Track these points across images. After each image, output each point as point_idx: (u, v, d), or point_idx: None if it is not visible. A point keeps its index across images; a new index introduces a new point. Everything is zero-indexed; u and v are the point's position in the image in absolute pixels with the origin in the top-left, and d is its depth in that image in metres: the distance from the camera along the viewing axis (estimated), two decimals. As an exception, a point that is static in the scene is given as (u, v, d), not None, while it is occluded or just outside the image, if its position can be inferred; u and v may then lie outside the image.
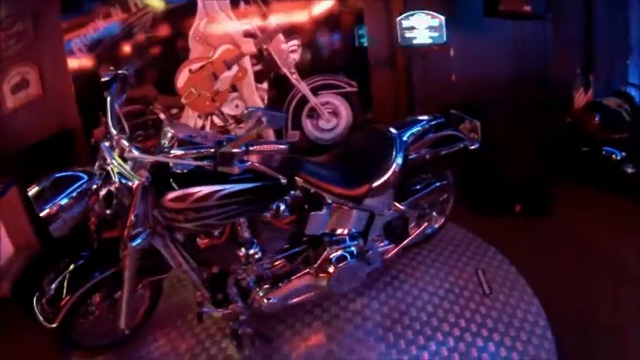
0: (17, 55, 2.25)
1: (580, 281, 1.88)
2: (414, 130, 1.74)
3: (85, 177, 1.32)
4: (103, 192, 1.27)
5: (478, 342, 1.55)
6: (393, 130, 1.70)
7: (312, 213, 1.53)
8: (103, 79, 1.36)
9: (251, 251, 1.44)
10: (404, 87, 2.81)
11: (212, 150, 1.16)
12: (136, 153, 1.18)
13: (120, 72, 1.40)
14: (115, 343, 1.60)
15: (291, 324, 1.71)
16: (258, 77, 2.64)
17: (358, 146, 1.76)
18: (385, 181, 1.57)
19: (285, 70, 2.65)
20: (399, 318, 1.70)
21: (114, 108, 1.32)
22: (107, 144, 1.27)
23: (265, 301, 1.52)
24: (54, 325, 1.30)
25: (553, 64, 2.86)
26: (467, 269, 1.98)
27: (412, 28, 2.48)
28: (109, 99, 1.32)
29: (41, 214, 1.24)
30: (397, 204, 1.75)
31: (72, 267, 1.39)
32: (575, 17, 2.94)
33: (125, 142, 1.22)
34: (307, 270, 1.58)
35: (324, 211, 1.56)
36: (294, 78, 2.68)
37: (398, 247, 1.87)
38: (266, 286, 1.53)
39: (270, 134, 2.71)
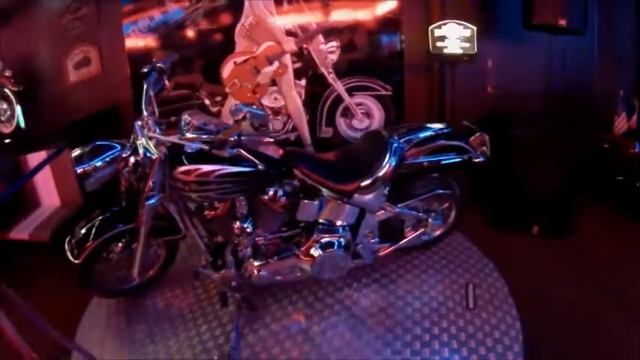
0: (81, 35, 2.83)
1: (584, 313, 1.88)
2: (414, 136, 1.90)
3: (119, 147, 1.71)
4: (131, 161, 1.67)
5: (444, 352, 1.68)
6: (392, 135, 1.88)
7: (304, 201, 1.80)
8: (143, 70, 1.75)
9: (244, 225, 1.74)
10: (438, 94, 2.91)
11: (212, 137, 1.48)
12: (156, 133, 1.55)
13: (158, 65, 1.78)
14: (127, 290, 2.03)
15: (279, 299, 2.00)
16: (297, 74, 2.96)
17: (358, 147, 1.97)
18: (374, 181, 1.76)
19: (322, 70, 2.93)
20: (377, 315, 1.88)
21: (149, 94, 1.70)
22: (139, 123, 1.66)
23: (255, 272, 1.83)
24: (78, 262, 1.74)
25: (595, 83, 2.75)
26: (459, 280, 2.09)
27: (444, 38, 2.58)
28: (145, 86, 1.71)
29: (78, 171, 1.65)
30: (391, 205, 1.93)
31: (100, 217, 1.83)
32: (624, 33, 2.77)
33: (151, 123, 1.60)
34: (295, 251, 1.85)
35: (316, 201, 1.81)
36: (331, 77, 2.95)
37: (391, 248, 2.06)
38: (258, 260, 1.84)
39: (305, 132, 3.06)
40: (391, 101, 3.00)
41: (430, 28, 2.62)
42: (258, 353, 1.72)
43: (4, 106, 2.81)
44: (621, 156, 2.57)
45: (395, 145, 1.82)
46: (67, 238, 1.84)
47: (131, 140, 1.70)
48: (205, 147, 1.48)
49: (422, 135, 1.94)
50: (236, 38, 2.85)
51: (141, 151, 1.60)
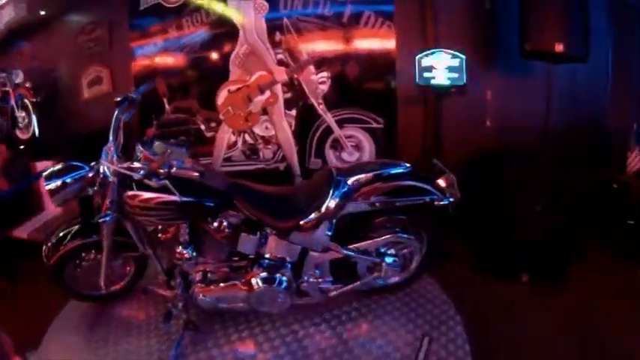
0: (95, 56, 3.34)
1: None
2: (364, 175, 2.02)
3: (87, 168, 2.03)
4: (97, 181, 2.01)
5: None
6: (342, 173, 2.03)
7: (243, 234, 2.02)
8: (115, 99, 2.09)
9: (184, 251, 2.00)
10: (431, 128, 3.02)
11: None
12: (112, 160, 1.87)
13: (130, 95, 2.10)
14: (95, 297, 2.38)
15: (227, 326, 2.21)
16: (288, 104, 3.22)
17: (307, 183, 2.15)
18: (313, 221, 1.94)
19: (313, 100, 3.17)
20: (313, 355, 2.00)
21: (118, 121, 2.02)
22: (105, 148, 1.99)
23: (201, 296, 2.08)
24: (50, 262, 2.12)
25: (607, 116, 2.67)
26: (416, 331, 2.14)
27: (431, 68, 2.68)
28: (115, 113, 2.04)
29: (46, 187, 1.99)
30: (338, 246, 2.07)
31: (77, 226, 2.20)
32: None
33: (112, 150, 1.92)
34: (236, 282, 2.06)
35: (257, 235, 2.03)
36: (320, 108, 3.18)
37: (342, 289, 2.18)
38: (203, 285, 2.08)
39: (295, 162, 3.30)
40: (383, 134, 3.16)
41: (417, 57, 2.72)
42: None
43: (23, 114, 3.44)
44: (634, 197, 2.50)
45: (341, 183, 1.98)
46: (46, 241, 2.22)
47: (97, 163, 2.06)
48: (136, 176, 1.77)
49: (377, 174, 2.04)
50: (230, 67, 3.19)
51: (102, 173, 1.94)
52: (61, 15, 3.42)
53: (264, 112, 3.27)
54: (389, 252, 2.20)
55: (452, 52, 2.62)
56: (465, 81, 2.62)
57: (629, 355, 2.00)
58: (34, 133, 3.47)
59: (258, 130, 3.32)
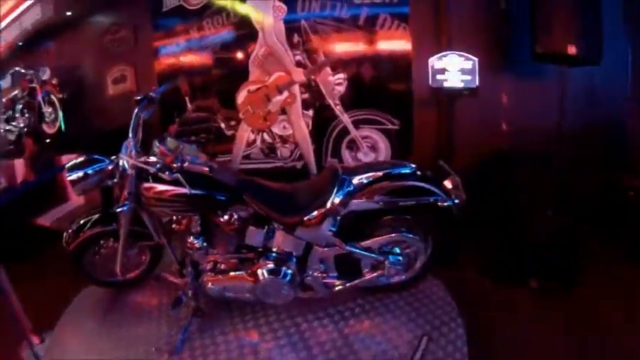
0: (120, 55, 3.62)
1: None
2: (369, 174, 2.11)
3: (107, 161, 2.24)
4: (116, 173, 2.21)
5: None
6: (348, 172, 2.13)
7: (251, 227, 2.16)
8: (135, 98, 2.28)
9: (195, 241, 2.16)
10: (446, 130, 3.08)
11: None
12: (131, 155, 2.05)
13: (150, 94, 2.29)
14: (112, 283, 2.58)
15: (233, 316, 2.35)
16: (305, 105, 3.38)
17: (314, 181, 2.27)
18: (316, 217, 2.05)
19: (329, 101, 3.31)
20: (313, 348, 2.10)
21: (138, 118, 2.21)
22: (125, 143, 2.18)
23: (209, 285, 2.23)
24: (70, 248, 2.35)
25: (625, 119, 2.64)
26: (416, 331, 2.19)
27: (444, 70, 2.74)
28: (136, 111, 2.22)
29: (68, 178, 2.21)
30: (341, 242, 2.17)
31: (98, 215, 2.41)
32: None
33: (132, 146, 2.10)
34: (243, 272, 2.20)
35: (263, 229, 2.16)
36: (337, 109, 3.32)
37: (346, 285, 2.28)
38: (212, 275, 2.23)
39: (311, 161, 3.45)
40: (398, 135, 3.26)
41: (430, 59, 2.80)
42: (196, 357, 2.08)
43: (49, 109, 3.76)
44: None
45: (346, 182, 2.09)
46: (68, 228, 2.45)
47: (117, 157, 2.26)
48: (154, 170, 1.95)
49: (382, 174, 2.13)
50: (250, 67, 3.39)
51: (121, 166, 2.14)
52: (86, 15, 3.74)
53: (283, 111, 3.44)
54: (393, 251, 2.28)
55: (464, 54, 2.68)
56: (477, 83, 2.67)
57: (630, 356, 2.01)
58: (60, 127, 3.79)
59: (276, 129, 3.50)
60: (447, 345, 2.10)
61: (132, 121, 2.15)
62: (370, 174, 2.14)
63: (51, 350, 2.22)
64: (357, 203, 2.10)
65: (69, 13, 3.83)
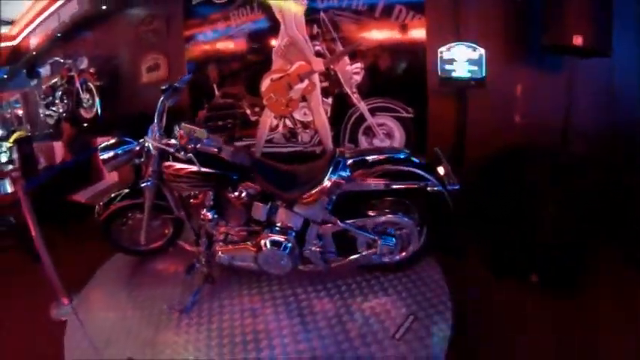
0: (153, 45, 4.12)
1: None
2: (363, 158, 2.40)
3: (135, 143, 2.67)
4: (143, 153, 2.65)
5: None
6: (344, 154, 2.43)
7: (256, 203, 2.51)
8: (161, 87, 2.69)
9: (208, 214, 2.56)
10: (458, 120, 3.25)
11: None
12: (149, 138, 2.48)
13: (174, 84, 2.69)
14: (137, 251, 3.09)
15: (242, 284, 2.75)
16: (324, 92, 3.68)
17: (316, 163, 2.56)
18: (312, 195, 2.36)
19: (347, 90, 3.59)
20: (306, 316, 2.43)
21: (163, 105, 2.61)
22: (151, 127, 2.61)
23: (220, 254, 2.62)
24: (101, 218, 2.84)
25: None
26: (403, 310, 2.43)
27: (452, 61, 2.91)
28: (161, 99, 2.64)
29: (100, 157, 2.65)
30: (337, 220, 2.47)
31: (127, 190, 2.88)
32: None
33: (156, 129, 2.52)
34: (248, 243, 2.57)
35: (267, 204, 2.51)
36: (354, 97, 3.59)
37: (343, 261, 2.59)
38: (223, 245, 2.62)
39: (329, 146, 3.75)
40: (413, 124, 3.48)
41: (439, 50, 2.99)
42: (202, 317, 2.49)
43: (87, 96, 4.39)
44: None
45: (341, 164, 2.38)
46: (98, 200, 2.96)
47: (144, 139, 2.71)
48: (171, 151, 2.37)
49: (376, 158, 2.41)
50: (273, 57, 3.75)
51: (146, 148, 2.58)
52: (122, 7, 4.29)
53: (303, 99, 3.76)
54: (387, 231, 2.55)
55: (472, 45, 2.83)
56: (483, 74, 2.81)
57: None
58: (96, 112, 4.42)
59: (297, 115, 3.84)
60: (431, 325, 2.31)
61: (157, 108, 2.55)
62: (364, 157, 2.43)
63: (79, 309, 2.75)
64: (352, 185, 2.38)
65: (104, 7, 4.42)
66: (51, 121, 5.83)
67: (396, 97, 3.49)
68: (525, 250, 2.78)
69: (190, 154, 2.32)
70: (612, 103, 2.87)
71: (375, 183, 2.39)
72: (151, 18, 4.24)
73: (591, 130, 2.91)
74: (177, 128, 2.52)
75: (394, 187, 2.39)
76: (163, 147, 2.43)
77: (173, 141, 2.42)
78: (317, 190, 2.37)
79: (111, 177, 3.95)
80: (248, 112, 3.98)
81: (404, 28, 3.36)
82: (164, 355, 2.28)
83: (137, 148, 2.64)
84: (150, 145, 2.52)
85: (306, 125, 3.83)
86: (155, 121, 2.54)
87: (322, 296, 2.60)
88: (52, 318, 2.76)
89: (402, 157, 2.45)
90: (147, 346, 2.35)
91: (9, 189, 4.18)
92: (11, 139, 5.66)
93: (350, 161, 2.40)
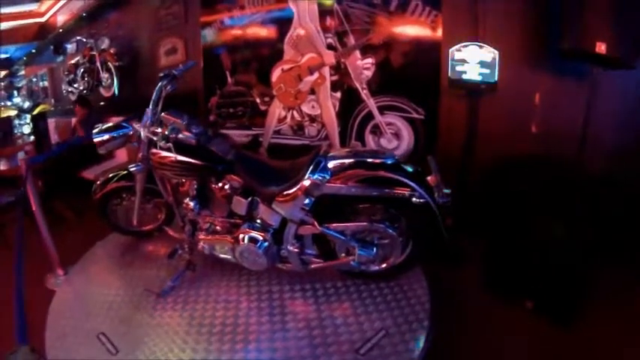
0: (171, 29, 4.40)
1: None
2: (346, 160, 2.45)
3: (130, 128, 2.88)
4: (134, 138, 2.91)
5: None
6: (327, 155, 2.52)
7: (236, 197, 2.67)
8: (160, 74, 2.91)
9: (190, 203, 2.76)
10: (470, 125, 3.26)
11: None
12: (137, 125, 2.71)
13: (173, 71, 2.89)
14: (130, 232, 3.38)
15: (221, 275, 2.95)
16: (334, 86, 3.79)
17: (301, 160, 2.69)
18: (289, 194, 2.49)
19: (357, 85, 3.67)
20: (275, 316, 2.58)
21: (160, 91, 2.83)
22: (145, 113, 2.86)
23: (201, 242, 2.84)
24: (96, 197, 3.13)
25: None
26: (376, 323, 2.48)
27: (463, 61, 2.91)
28: (159, 84, 2.84)
29: (94, 139, 2.88)
30: (315, 222, 2.58)
31: (124, 172, 3.12)
32: None
33: (148, 115, 2.75)
34: (227, 235, 2.77)
35: (247, 199, 2.67)
36: (364, 93, 3.67)
37: (321, 264, 2.71)
38: (205, 234, 2.84)
39: (336, 142, 3.88)
40: (423, 125, 3.52)
41: (451, 50, 2.99)
42: (177, 303, 2.72)
43: (107, 75, 4.77)
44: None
45: (321, 164, 2.46)
46: (95, 179, 3.26)
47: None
48: (155, 139, 2.59)
49: (359, 161, 2.46)
50: (285, 47, 3.90)
51: (138, 133, 2.82)
52: None
53: (312, 91, 3.89)
54: (367, 239, 2.63)
55: (485, 45, 2.82)
56: (496, 78, 2.79)
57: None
58: (114, 92, 4.82)
59: (305, 108, 3.98)
60: (399, 344, 2.34)
61: (154, 94, 2.72)
62: (347, 159, 2.47)
63: (70, 281, 3.10)
64: (330, 187, 2.45)
65: None
66: (72, 98, 6.40)
67: (407, 97, 3.54)
68: (522, 271, 2.79)
69: (170, 144, 2.55)
70: (636, 117, 2.80)
71: (354, 188, 2.45)
72: (171, 2, 4.53)
73: (610, 144, 2.84)
74: (162, 116, 2.73)
75: (374, 194, 2.45)
76: (149, 135, 2.65)
77: (158, 129, 2.62)
78: (295, 189, 2.48)
79: (121, 156, 4.30)
80: (258, 101, 4.18)
81: (432, 23, 3.37)
82: (136, 334, 2.52)
83: (131, 132, 2.90)
84: (141, 131, 2.75)
85: (313, 119, 3.96)
86: (150, 106, 2.72)
87: (297, 297, 2.74)
88: (46, 287, 3.15)
89: (389, 162, 2.46)
90: (122, 324, 2.61)
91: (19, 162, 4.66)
92: (34, 113, 6.29)
93: (331, 162, 2.48)
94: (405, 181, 2.42)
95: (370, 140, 3.77)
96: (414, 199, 2.40)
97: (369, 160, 2.50)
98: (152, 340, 2.48)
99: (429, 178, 2.43)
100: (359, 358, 2.27)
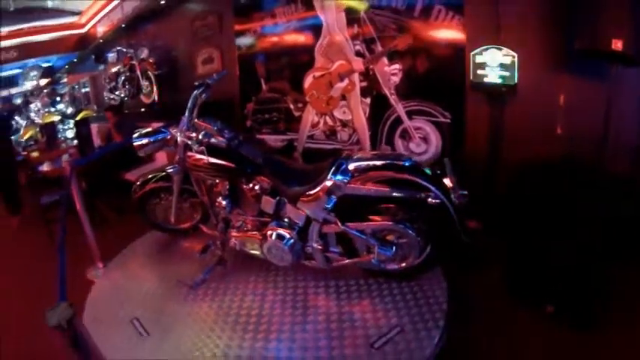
0: (207, 39, 4.84)
1: None
2: (366, 162, 2.69)
3: (167, 133, 3.22)
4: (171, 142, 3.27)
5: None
6: (348, 157, 2.77)
7: (264, 196, 2.97)
8: (194, 83, 3.22)
9: (222, 202, 3.09)
10: (497, 128, 3.41)
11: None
12: (174, 130, 3.07)
13: (207, 81, 3.19)
14: (167, 229, 3.75)
15: (251, 272, 3.25)
16: (363, 92, 4.04)
17: (321, 163, 2.96)
18: (313, 194, 2.75)
19: (385, 90, 3.91)
20: (299, 308, 2.86)
21: (195, 99, 3.13)
22: (182, 119, 3.22)
23: (232, 239, 3.15)
24: (136, 197, 3.52)
25: None
26: (393, 320, 2.69)
27: (484, 65, 3.07)
28: (195, 93, 3.17)
29: (134, 143, 3.23)
30: (337, 221, 2.83)
31: (163, 173, 3.49)
32: None
33: (184, 121, 3.10)
34: (256, 232, 3.07)
35: (275, 199, 2.96)
36: (392, 99, 3.90)
37: (343, 261, 2.94)
38: (236, 231, 3.15)
39: (367, 146, 4.14)
40: (449, 129, 3.70)
41: (472, 53, 3.17)
42: (207, 294, 3.05)
43: (146, 83, 5.28)
44: None
45: (342, 166, 2.72)
46: (135, 180, 3.65)
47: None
48: (190, 143, 2.92)
49: (379, 164, 2.69)
50: (316, 55, 4.20)
51: (175, 138, 3.17)
52: (179, 3, 5.09)
53: (343, 97, 4.17)
54: (387, 238, 2.86)
55: (504, 49, 2.97)
56: (515, 80, 2.93)
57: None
58: (154, 99, 5.32)
59: (337, 113, 4.27)
60: (413, 342, 2.50)
61: (189, 102, 3.04)
62: (367, 162, 2.71)
63: (109, 273, 3.53)
64: (351, 188, 2.69)
65: (163, 1, 5.25)
66: (114, 104, 7.06)
67: (434, 101, 3.74)
68: (544, 275, 2.91)
69: (203, 147, 2.90)
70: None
71: (373, 189, 2.68)
72: (205, 14, 4.97)
73: (633, 144, 2.94)
74: (196, 122, 3.04)
75: (391, 195, 2.66)
76: (185, 139, 3.00)
77: (193, 134, 2.95)
78: (317, 189, 2.74)
79: (161, 159, 4.75)
80: (292, 107, 4.52)
81: (455, 28, 3.55)
82: (167, 321, 2.86)
83: (168, 137, 3.27)
84: (177, 136, 3.09)
85: (345, 124, 4.25)
86: (186, 113, 3.05)
87: (319, 292, 2.99)
88: (87, 278, 3.60)
89: (407, 164, 2.67)
90: (155, 311, 2.95)
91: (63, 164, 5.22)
92: (77, 118, 6.96)
93: (352, 165, 2.72)
94: (422, 182, 2.61)
95: (400, 144, 4.00)
96: (429, 199, 2.58)
97: (388, 162, 2.71)
98: (181, 326, 2.81)
99: (445, 179, 2.65)
100: (372, 352, 2.46)
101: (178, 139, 3.07)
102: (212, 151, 2.94)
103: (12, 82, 13.04)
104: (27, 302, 3.36)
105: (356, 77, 4.10)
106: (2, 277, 4.07)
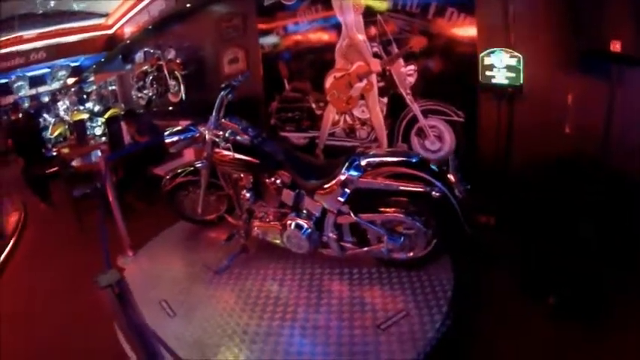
0: (232, 40, 5.37)
1: None
2: (376, 159, 3.12)
3: (197, 131, 3.71)
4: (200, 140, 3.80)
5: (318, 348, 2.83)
6: (360, 153, 3.20)
7: (285, 189, 3.44)
8: (221, 85, 3.69)
9: (246, 194, 3.58)
10: (506, 126, 3.75)
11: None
12: (202, 128, 3.57)
13: (232, 82, 3.66)
14: (194, 220, 4.30)
15: (272, 259, 3.73)
16: (381, 92, 4.48)
17: (336, 159, 3.41)
18: (328, 187, 3.19)
19: (401, 90, 4.34)
20: (312, 292, 3.30)
21: (222, 100, 3.60)
22: (210, 118, 3.73)
23: (255, 229, 3.65)
24: (166, 189, 4.09)
25: None
26: (400, 305, 3.07)
27: (492, 66, 3.42)
28: (220, 94, 3.65)
29: (165, 140, 3.76)
30: (351, 212, 3.27)
31: (192, 167, 4.04)
32: None
33: (212, 120, 3.60)
34: (277, 222, 3.55)
35: (294, 192, 3.42)
36: (408, 98, 4.32)
37: (357, 251, 3.36)
38: (259, 221, 3.65)
39: (384, 144, 4.60)
40: (463, 128, 4.09)
41: (480, 55, 3.52)
42: (230, 279, 3.55)
43: (174, 83, 5.93)
44: None
45: (355, 162, 3.15)
46: (165, 174, 4.20)
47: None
48: (217, 140, 3.44)
49: (388, 160, 3.12)
50: (336, 56, 4.67)
51: (204, 136, 3.68)
52: (204, 5, 5.67)
53: (362, 97, 4.62)
54: (396, 229, 3.27)
55: (510, 51, 3.31)
56: (521, 81, 3.27)
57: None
58: (181, 97, 5.92)
59: (356, 112, 4.72)
60: (416, 325, 2.85)
61: (216, 102, 3.54)
62: (377, 158, 3.14)
63: (138, 260, 4.08)
64: (363, 182, 3.13)
65: (189, 4, 5.86)
66: (142, 102, 7.75)
67: (448, 101, 4.14)
68: (550, 268, 3.23)
69: (229, 144, 3.42)
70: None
71: (383, 183, 3.10)
72: (230, 15, 5.53)
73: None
74: (223, 120, 3.55)
75: (398, 188, 3.06)
76: (212, 137, 3.51)
77: (220, 132, 3.46)
78: (332, 182, 3.19)
79: (188, 155, 5.33)
80: (314, 106, 5.02)
81: (468, 29, 3.91)
82: (192, 302, 3.35)
83: (197, 135, 3.78)
84: (206, 133, 3.60)
85: (363, 122, 4.71)
86: (214, 113, 3.54)
87: (334, 279, 3.44)
88: (117, 265, 4.11)
89: (414, 161, 3.08)
90: (181, 294, 3.46)
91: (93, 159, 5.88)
92: (106, 116, 7.65)
93: (364, 161, 3.15)
94: (427, 177, 3.01)
95: (415, 142, 4.42)
96: (434, 192, 2.97)
97: (397, 159, 3.14)
98: (205, 307, 3.29)
99: (449, 175, 3.05)
100: (378, 332, 2.83)
101: (207, 136, 3.57)
102: (237, 147, 3.42)
103: (40, 81, 13.98)
104: (66, 277, 4.19)
105: (374, 78, 4.55)
106: (45, 259, 4.85)
